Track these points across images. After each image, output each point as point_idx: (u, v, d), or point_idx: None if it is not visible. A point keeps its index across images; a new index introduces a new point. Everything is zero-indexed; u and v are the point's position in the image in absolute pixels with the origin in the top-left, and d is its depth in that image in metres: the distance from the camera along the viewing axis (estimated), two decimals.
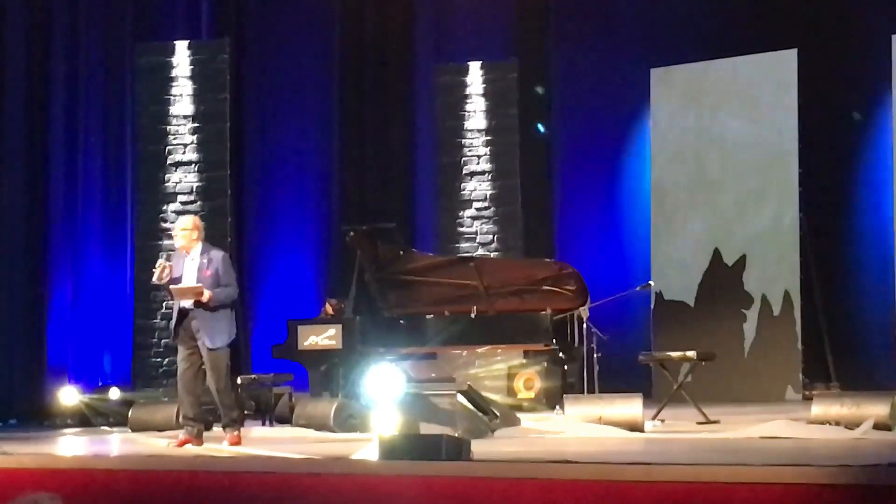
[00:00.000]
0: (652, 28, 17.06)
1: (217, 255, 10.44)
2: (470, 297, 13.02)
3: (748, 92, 16.17)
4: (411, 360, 14.31)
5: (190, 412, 10.38)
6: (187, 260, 10.38)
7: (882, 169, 15.57)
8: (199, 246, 10.40)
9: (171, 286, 10.28)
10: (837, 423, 9.81)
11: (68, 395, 14.42)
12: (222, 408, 10.36)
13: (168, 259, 10.49)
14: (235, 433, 10.32)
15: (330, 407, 11.53)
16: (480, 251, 16.22)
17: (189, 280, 10.30)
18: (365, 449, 8.45)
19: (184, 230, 10.41)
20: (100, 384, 15.10)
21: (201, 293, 10.17)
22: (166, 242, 14.41)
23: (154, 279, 10.37)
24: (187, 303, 10.27)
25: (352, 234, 13.34)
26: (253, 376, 13.72)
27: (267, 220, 17.53)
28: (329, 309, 14.42)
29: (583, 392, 12.19)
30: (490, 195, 16.53)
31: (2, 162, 15.74)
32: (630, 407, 10.63)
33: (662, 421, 11.31)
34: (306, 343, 12.84)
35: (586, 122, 17.48)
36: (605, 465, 6.77)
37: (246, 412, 13.21)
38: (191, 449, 10.08)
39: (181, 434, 10.41)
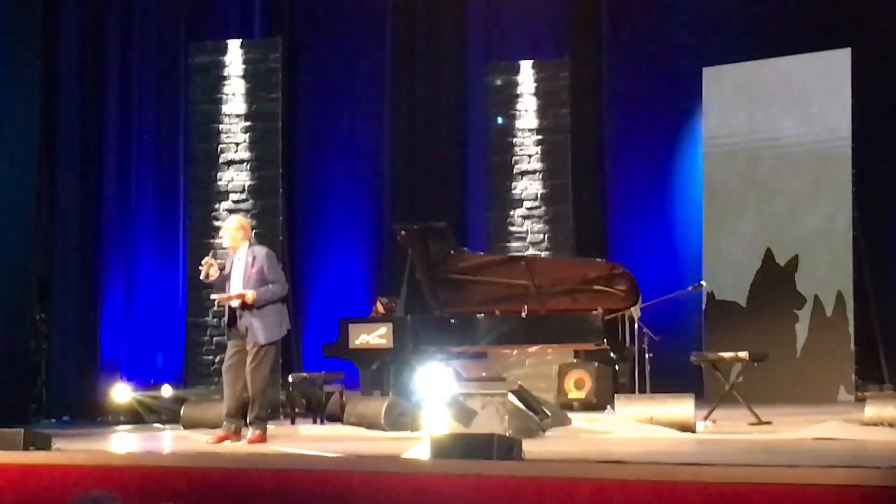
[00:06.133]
0: (704, 27, 16.97)
1: (261, 252, 10.59)
2: (521, 297, 12.98)
3: (801, 91, 16.06)
4: (462, 359, 14.34)
5: (231, 408, 10.47)
6: (235, 259, 10.57)
7: None
8: (245, 245, 10.58)
9: (213, 295, 10.49)
10: (891, 425, 9.79)
11: (121, 393, 14.53)
12: (254, 403, 10.35)
13: (216, 257, 10.67)
14: (259, 432, 10.33)
15: (381, 405, 11.56)
16: (531, 250, 16.18)
17: (236, 278, 10.46)
18: (416, 448, 8.45)
19: (228, 229, 10.66)
20: (152, 381, 15.19)
21: (243, 297, 10.33)
22: (218, 241, 14.44)
23: (201, 276, 10.55)
24: (235, 302, 10.42)
25: (403, 232, 13.34)
26: (304, 375, 13.78)
27: (318, 218, 17.57)
28: (380, 308, 14.46)
29: (634, 392, 12.14)
30: (541, 194, 16.47)
31: (56, 160, 15.85)
32: (681, 407, 10.61)
33: (714, 422, 11.27)
34: (357, 342, 12.86)
35: (638, 122, 17.42)
36: (657, 466, 6.76)
37: (297, 410, 13.32)
38: (237, 446, 10.11)
39: (221, 430, 10.51)
